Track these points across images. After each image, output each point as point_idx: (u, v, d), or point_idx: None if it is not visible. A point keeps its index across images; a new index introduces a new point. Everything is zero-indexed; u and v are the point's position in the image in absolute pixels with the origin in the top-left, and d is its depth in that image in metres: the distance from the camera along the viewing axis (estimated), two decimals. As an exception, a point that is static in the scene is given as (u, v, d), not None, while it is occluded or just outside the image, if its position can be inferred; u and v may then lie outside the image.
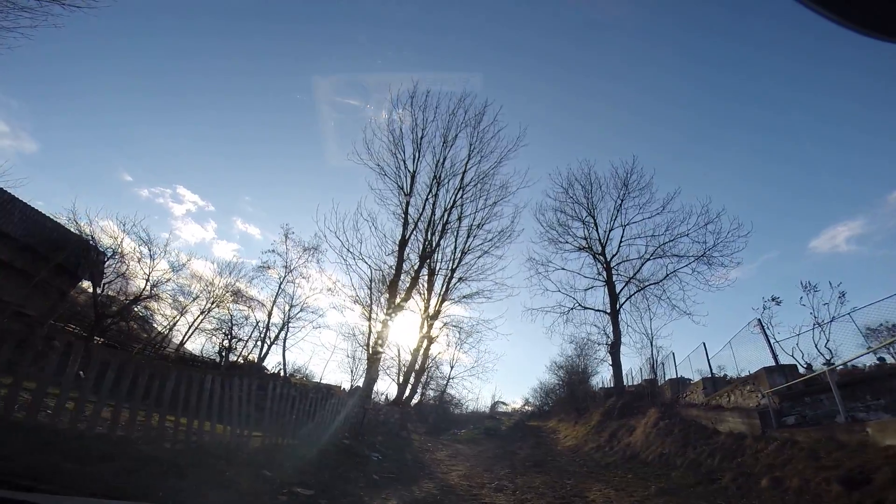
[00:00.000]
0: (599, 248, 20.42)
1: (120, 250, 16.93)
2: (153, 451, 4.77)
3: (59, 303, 16.45)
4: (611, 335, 18.79)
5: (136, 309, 18.77)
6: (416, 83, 19.77)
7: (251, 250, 78.99)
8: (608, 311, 19.26)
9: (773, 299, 11.29)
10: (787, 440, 6.98)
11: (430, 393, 28.42)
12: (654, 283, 18.82)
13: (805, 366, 9.75)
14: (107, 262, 16.64)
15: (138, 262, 17.45)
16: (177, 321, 23.25)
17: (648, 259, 19.35)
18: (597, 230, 20.88)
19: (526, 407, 42.81)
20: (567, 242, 21.24)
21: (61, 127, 62.77)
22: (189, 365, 19.90)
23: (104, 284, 16.67)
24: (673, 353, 15.94)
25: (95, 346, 15.92)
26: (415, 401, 22.81)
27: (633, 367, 22.59)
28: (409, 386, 19.89)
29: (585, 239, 20.86)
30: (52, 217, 17.34)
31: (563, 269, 21.51)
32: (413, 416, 20.02)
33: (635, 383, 19.46)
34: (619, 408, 17.43)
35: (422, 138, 18.55)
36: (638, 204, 20.79)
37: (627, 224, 20.47)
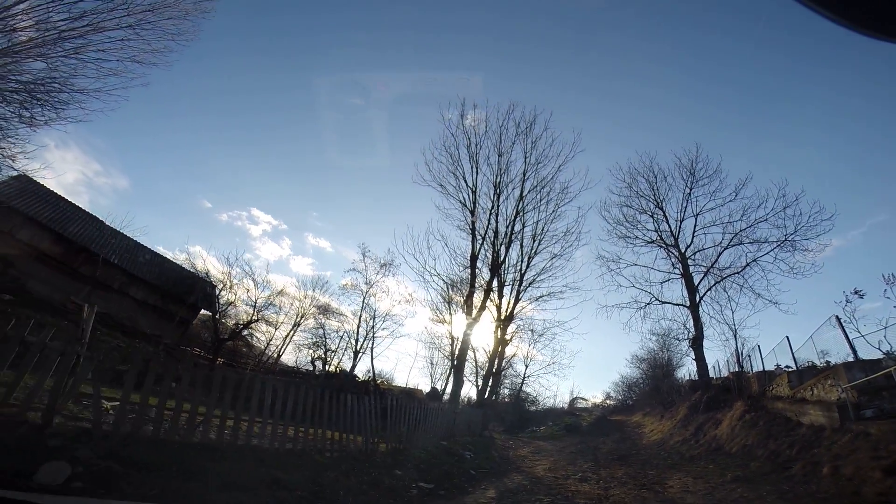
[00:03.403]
0: (672, 240, 20.66)
1: (228, 282, 20.69)
2: (321, 459, 7.03)
3: (185, 330, 20.62)
4: (692, 329, 19.16)
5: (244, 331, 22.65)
6: (473, 105, 21.64)
7: (324, 263, 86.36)
8: (687, 304, 19.58)
9: (855, 292, 11.49)
10: (861, 432, 7.79)
11: (505, 391, 30.28)
12: (735, 273, 18.84)
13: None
14: (219, 293, 20.45)
15: (246, 292, 21.23)
16: (273, 337, 27.33)
17: (726, 248, 19.33)
18: (667, 222, 21.12)
19: (607, 401, 43.12)
20: (637, 237, 21.71)
21: (145, 162, 72.74)
22: (292, 377, 23.58)
23: (219, 312, 20.51)
24: (759, 346, 16.01)
25: (221, 366, 19.75)
26: (492, 401, 24.76)
27: (720, 359, 22.47)
28: (487, 387, 21.86)
29: (656, 231, 21.19)
30: (170, 258, 21.72)
31: (635, 264, 22.03)
32: (492, 416, 21.96)
33: (722, 375, 19.65)
34: (704, 401, 17.98)
35: (477, 154, 20.28)
36: (708, 191, 20.69)
37: (699, 213, 20.47)
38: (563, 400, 40.79)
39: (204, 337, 25.19)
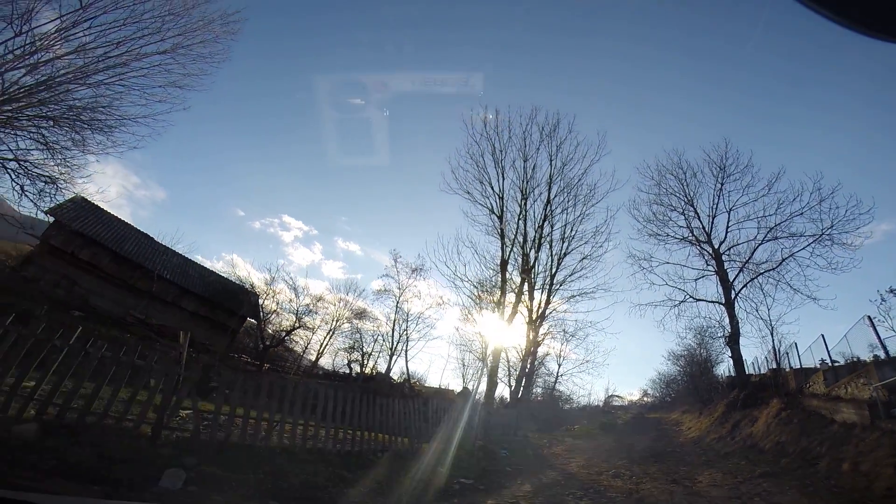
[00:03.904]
0: (704, 237, 20.62)
1: (271, 292, 22.28)
2: (375, 459, 8.00)
3: (233, 339, 22.33)
4: (727, 327, 19.22)
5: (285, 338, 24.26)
6: (496, 111, 22.31)
7: (355, 266, 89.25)
8: (722, 301, 19.60)
9: (891, 290, 11.55)
10: (888, 430, 8.11)
11: (539, 390, 30.86)
12: (771, 270, 18.71)
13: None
14: (262, 302, 22.04)
15: (289, 301, 22.82)
16: (310, 341, 28.98)
17: (761, 243, 19.16)
18: (698, 218, 21.05)
19: (645, 398, 42.88)
20: (668, 235, 21.77)
21: (179, 173, 76.94)
22: (331, 380, 25.04)
23: (263, 320, 22.10)
24: (796, 343, 15.99)
25: (267, 372, 21.31)
26: (526, 400, 25.45)
27: (759, 356, 22.20)
28: (521, 388, 22.57)
29: (687, 228, 21.21)
30: (216, 271, 23.53)
31: (667, 262, 22.07)
32: (525, 415, 22.65)
33: (761, 372, 19.61)
34: (742, 399, 18.10)
35: (503, 160, 20.94)
36: (741, 186, 20.51)
37: (732, 208, 20.32)
38: (598, 398, 40.92)
39: (246, 343, 27.06)
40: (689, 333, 26.96)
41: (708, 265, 20.53)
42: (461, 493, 7.38)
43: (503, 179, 20.80)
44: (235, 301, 21.82)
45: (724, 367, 27.15)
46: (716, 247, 20.23)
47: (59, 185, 16.77)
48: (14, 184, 15.51)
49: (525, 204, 20.67)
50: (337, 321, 28.57)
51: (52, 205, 18.84)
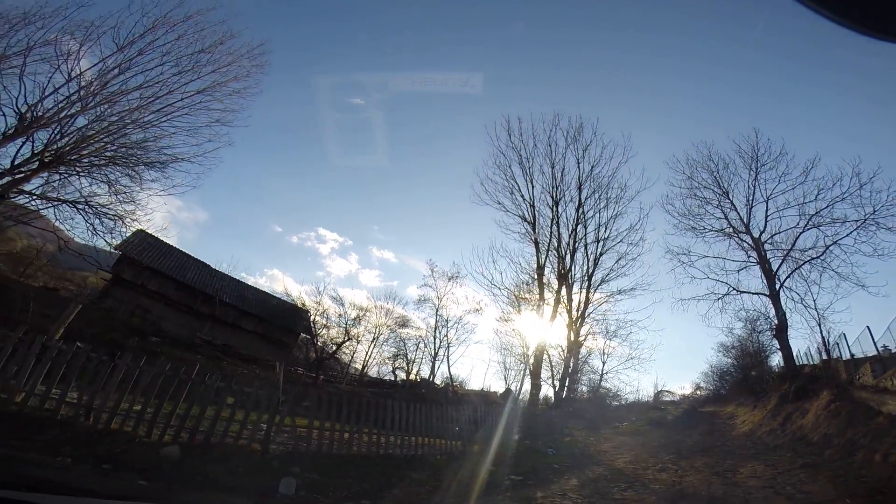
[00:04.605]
0: (743, 227, 20.65)
1: (319, 307, 24.24)
2: (434, 461, 9.27)
3: (288, 353, 24.43)
4: (774, 318, 19.25)
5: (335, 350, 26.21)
6: (518, 120, 23.25)
7: (390, 273, 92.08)
8: (766, 292, 19.66)
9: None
10: (928, 420, 8.61)
11: (583, 388, 31.39)
12: (815, 258, 18.60)
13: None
14: (313, 319, 24.01)
15: (338, 316, 24.76)
16: (355, 350, 30.91)
17: (803, 231, 19.05)
18: (735, 210, 21.09)
19: (697, 392, 42.26)
20: (705, 228, 21.92)
21: (220, 194, 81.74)
22: (380, 388, 26.75)
23: (315, 335, 24.07)
24: (844, 334, 15.99)
25: (323, 383, 23.15)
26: (570, 399, 26.17)
27: (810, 346, 21.84)
28: (564, 388, 23.36)
29: (725, 219, 21.28)
30: (269, 292, 25.79)
31: (705, 256, 22.20)
32: (571, 414, 23.41)
33: (813, 363, 19.50)
34: (793, 391, 18.22)
35: (531, 168, 21.86)
36: (776, 174, 20.43)
37: (771, 196, 20.28)
38: (647, 394, 40.73)
39: (298, 356, 29.25)
40: (738, 324, 26.79)
41: (749, 257, 20.57)
42: (512, 487, 8.49)
43: (532, 187, 21.74)
44: (289, 319, 23.95)
45: (777, 359, 26.79)
46: (756, 237, 20.25)
47: (126, 222, 19.16)
48: (87, 224, 17.95)
49: (556, 209, 21.53)
50: (379, 330, 30.37)
51: (120, 240, 21.36)
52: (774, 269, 19.51)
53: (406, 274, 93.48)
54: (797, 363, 19.88)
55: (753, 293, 20.68)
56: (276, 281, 79.52)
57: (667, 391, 41.76)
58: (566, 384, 23.41)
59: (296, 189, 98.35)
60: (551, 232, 21.35)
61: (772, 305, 19.31)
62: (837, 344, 16.57)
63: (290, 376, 23.28)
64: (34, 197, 17.62)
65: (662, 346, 67.63)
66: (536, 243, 20.89)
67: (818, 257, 18.63)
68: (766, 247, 20.08)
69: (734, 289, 21.08)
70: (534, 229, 21.04)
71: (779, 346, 19.12)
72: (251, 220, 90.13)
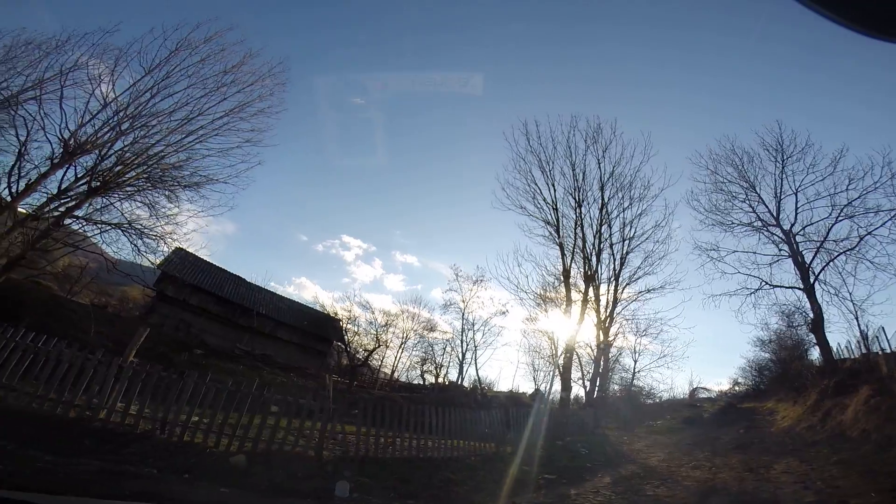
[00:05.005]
0: (773, 220, 20.42)
1: (350, 316, 25.25)
2: (470, 462, 9.88)
3: (323, 361, 25.55)
4: (809, 312, 19.01)
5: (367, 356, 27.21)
6: (535, 123, 23.64)
7: (414, 277, 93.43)
8: (800, 286, 19.42)
9: None
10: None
11: (615, 387, 31.38)
12: (849, 250, 18.27)
13: None
14: (344, 327, 25.04)
15: (368, 324, 25.73)
16: (384, 355, 31.87)
17: (836, 222, 18.68)
18: (763, 203, 20.84)
19: (735, 387, 41.39)
20: (733, 223, 21.74)
21: (246, 205, 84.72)
22: (410, 392, 27.55)
23: (348, 343, 25.10)
24: (882, 327, 15.71)
25: (356, 388, 24.09)
26: (602, 399, 26.33)
27: (850, 340, 21.30)
28: (595, 388, 23.56)
29: (753, 213, 21.08)
30: (301, 302, 26.99)
31: (735, 251, 22.02)
32: (604, 414, 23.61)
33: (852, 357, 19.11)
34: (832, 386, 17.99)
35: (552, 171, 22.19)
36: (804, 166, 20.10)
37: (800, 188, 19.99)
38: (682, 391, 40.16)
39: (330, 363, 30.41)
40: (773, 318, 26.35)
41: (780, 250, 20.31)
42: (546, 485, 9.01)
43: (554, 190, 22.07)
44: (323, 328, 25.06)
45: (817, 352, 26.20)
46: (786, 229, 20.00)
47: (167, 242, 20.45)
48: (132, 245, 19.26)
49: (580, 210, 21.80)
50: (406, 334, 31.23)
51: (161, 258, 22.74)
52: (807, 261, 19.25)
53: (430, 277, 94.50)
54: (838, 357, 19.53)
55: (787, 287, 20.43)
56: (305, 289, 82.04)
57: (703, 388, 41.08)
58: (597, 384, 23.60)
59: (318, 197, 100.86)
60: (575, 233, 21.67)
61: (806, 299, 19.06)
62: (877, 337, 16.33)
63: (326, 384, 24.36)
64: (85, 221, 18.98)
65: (696, 342, 66.12)
66: (561, 246, 21.26)
67: (853, 248, 18.31)
68: (798, 239, 19.82)
69: (767, 283, 20.86)
70: (557, 232, 21.40)
71: (816, 341, 18.84)
72: (277, 230, 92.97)
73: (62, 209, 17.88)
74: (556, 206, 21.83)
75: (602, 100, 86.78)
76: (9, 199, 16.56)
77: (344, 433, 8.19)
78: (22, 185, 16.37)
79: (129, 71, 17.62)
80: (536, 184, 22.39)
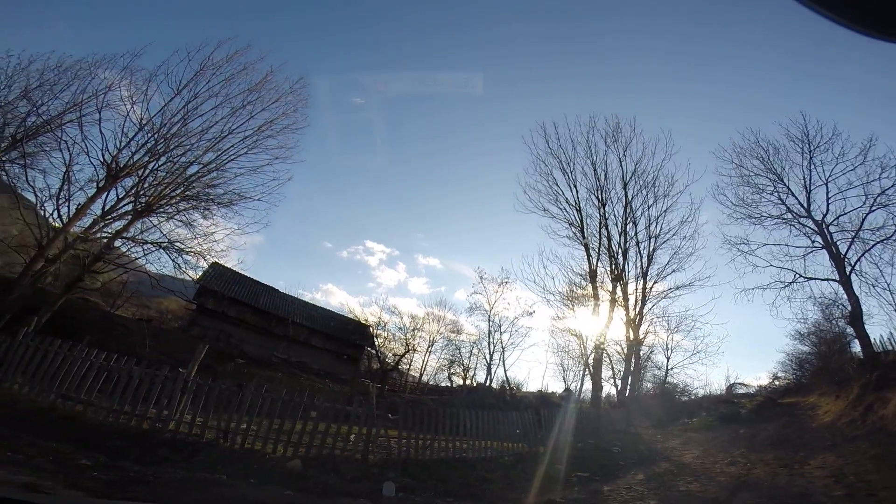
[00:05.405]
0: (803, 211, 20.17)
1: (380, 321, 26.20)
2: (504, 462, 10.42)
3: (356, 367, 26.56)
4: (847, 304, 18.68)
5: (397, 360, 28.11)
6: (554, 125, 23.81)
7: (438, 279, 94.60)
8: (836, 278, 19.13)
9: None
10: None
11: (648, 385, 31.24)
12: (887, 239, 17.85)
13: None
14: (374, 333, 25.97)
15: (398, 329, 26.62)
16: (412, 359, 32.73)
17: (870, 211, 18.29)
18: (792, 194, 20.61)
19: (775, 382, 40.34)
20: (762, 216, 21.52)
21: (272, 216, 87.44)
22: (440, 395, 28.23)
23: (379, 349, 26.05)
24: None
25: (388, 392, 24.94)
26: (634, 397, 26.35)
27: (893, 332, 20.77)
28: (626, 386, 23.68)
29: (782, 205, 20.83)
30: (333, 310, 28.12)
31: (766, 244, 21.78)
32: (636, 412, 23.68)
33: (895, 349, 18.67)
34: (874, 380, 17.71)
35: (573, 172, 22.47)
36: (833, 156, 19.78)
37: (830, 178, 19.65)
38: (718, 387, 39.39)
39: (361, 368, 31.46)
40: (812, 309, 25.84)
41: (813, 241, 20.02)
42: (579, 483, 9.48)
43: (577, 191, 22.37)
44: (354, 334, 26.12)
45: (858, 346, 25.51)
46: (818, 220, 19.70)
47: (206, 258, 21.66)
48: (174, 262, 20.47)
49: (604, 210, 22.02)
50: (432, 338, 32.01)
51: (200, 273, 24.07)
52: (842, 252, 18.93)
53: (453, 279, 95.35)
54: (880, 349, 19.13)
55: (822, 279, 20.12)
56: (332, 295, 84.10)
57: (740, 383, 40.15)
58: (629, 382, 23.70)
59: (340, 204, 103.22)
60: (600, 233, 21.87)
61: (843, 291, 18.75)
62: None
63: (359, 388, 25.31)
64: (133, 242, 20.26)
65: (730, 337, 64.60)
66: (586, 246, 21.51)
67: (889, 238, 17.94)
68: (831, 229, 19.50)
69: (801, 275, 20.57)
70: (582, 233, 21.67)
71: (855, 334, 18.49)
72: (302, 238, 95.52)
73: (111, 231, 19.21)
74: (579, 206, 22.14)
75: (616, 94, 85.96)
76: (58, 222, 17.93)
77: (387, 437, 8.89)
78: (73, 208, 17.61)
79: (160, 93, 18.72)
80: (558, 185, 22.75)
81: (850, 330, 22.49)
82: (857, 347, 25.34)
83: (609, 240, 21.85)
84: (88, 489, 4.84)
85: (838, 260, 18.90)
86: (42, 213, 18.08)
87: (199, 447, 8.07)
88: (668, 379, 30.68)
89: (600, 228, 21.92)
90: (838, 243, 19.28)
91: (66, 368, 8.76)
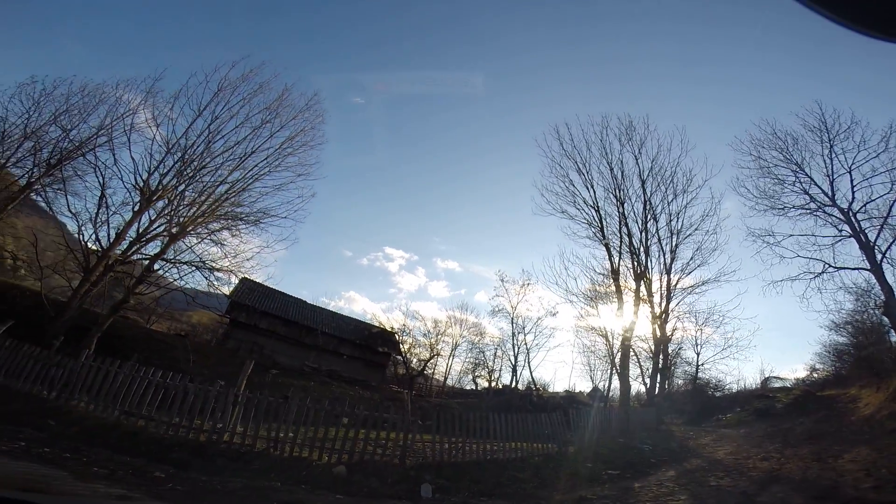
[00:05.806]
0: (828, 200, 19.84)
1: (406, 329, 26.93)
2: (534, 461, 10.85)
3: (383, 373, 27.33)
4: (879, 295, 18.37)
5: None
6: (567, 125, 24.10)
7: (457, 282, 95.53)
8: (867, 267, 18.79)
9: None
10: None
11: (679, 382, 31.02)
12: (913, 224, 17.50)
13: None
14: (400, 339, 26.71)
15: (423, 335, 27.30)
16: (437, 363, 33.32)
17: (896, 200, 17.99)
18: (815, 184, 20.24)
19: (813, 375, 39.34)
20: (785, 207, 21.24)
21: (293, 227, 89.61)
22: (466, 398, 28.73)
23: (405, 355, 26.76)
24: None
25: (415, 398, 25.57)
26: (665, 394, 26.30)
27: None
28: (656, 384, 23.68)
29: (806, 194, 20.54)
30: (356, 317, 29.00)
31: (791, 234, 21.50)
32: (667, 409, 23.69)
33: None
34: (913, 368, 17.41)
35: (590, 173, 22.66)
36: (854, 144, 19.37)
37: (853, 166, 19.26)
38: (753, 381, 38.66)
39: (389, 374, 32.24)
40: (847, 298, 25.28)
41: (840, 230, 19.70)
42: (610, 480, 9.84)
43: (594, 191, 22.50)
44: (381, 341, 26.92)
45: (894, 336, 24.82)
46: (844, 208, 19.37)
47: (236, 275, 22.68)
48: (207, 280, 21.47)
49: (622, 208, 22.11)
50: (455, 341, 32.56)
51: (231, 288, 25.17)
52: (872, 240, 18.60)
53: (472, 281, 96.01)
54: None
55: (852, 269, 19.76)
56: (354, 302, 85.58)
57: (775, 377, 39.30)
58: (657, 379, 23.70)
59: (352, 206, 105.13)
60: (621, 232, 21.94)
61: (875, 280, 18.42)
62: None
63: (388, 394, 26.05)
64: (170, 264, 21.37)
65: (762, 330, 62.77)
66: (607, 246, 21.63)
67: (917, 222, 17.57)
68: (859, 217, 19.17)
69: (830, 265, 20.20)
70: (602, 232, 21.79)
71: (890, 325, 18.14)
72: (323, 248, 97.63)
73: (146, 253, 20.33)
74: (597, 206, 22.28)
75: (625, 95, 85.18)
76: (96, 244, 19.02)
77: (422, 441, 9.46)
78: (112, 232, 18.68)
79: (183, 114, 19.64)
80: (575, 186, 22.93)
81: (885, 320, 21.98)
82: (894, 338, 24.75)
83: (630, 237, 21.95)
84: (171, 499, 5.53)
85: (868, 248, 18.56)
86: (81, 237, 19.23)
87: (252, 456, 8.79)
88: (700, 375, 30.39)
89: (620, 227, 22.04)
90: (867, 231, 18.95)
91: (126, 386, 9.64)
